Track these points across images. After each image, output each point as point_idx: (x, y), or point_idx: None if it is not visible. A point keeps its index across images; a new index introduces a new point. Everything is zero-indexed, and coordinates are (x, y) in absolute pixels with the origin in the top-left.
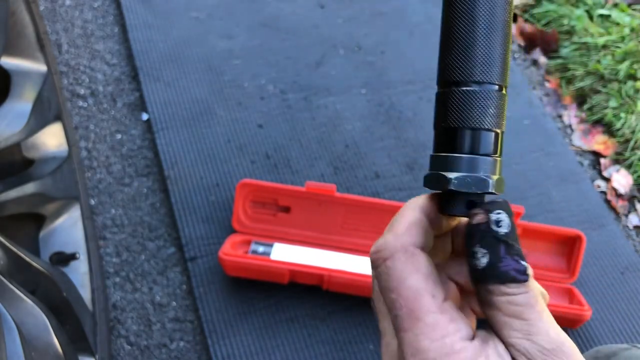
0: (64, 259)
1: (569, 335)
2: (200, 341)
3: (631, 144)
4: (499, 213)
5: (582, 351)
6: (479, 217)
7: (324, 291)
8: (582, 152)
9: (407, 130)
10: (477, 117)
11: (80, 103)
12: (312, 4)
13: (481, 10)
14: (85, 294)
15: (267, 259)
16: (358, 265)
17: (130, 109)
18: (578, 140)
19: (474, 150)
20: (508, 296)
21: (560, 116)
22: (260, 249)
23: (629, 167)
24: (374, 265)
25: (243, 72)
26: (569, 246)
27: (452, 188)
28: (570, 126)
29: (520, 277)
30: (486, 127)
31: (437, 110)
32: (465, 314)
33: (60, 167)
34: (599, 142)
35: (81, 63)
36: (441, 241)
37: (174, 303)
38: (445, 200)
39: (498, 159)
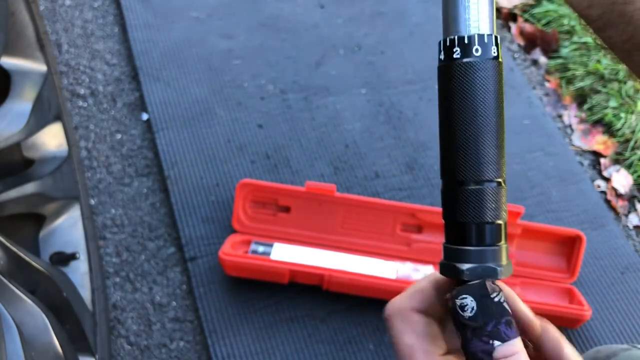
0: (64, 259)
1: (569, 335)
2: (200, 341)
3: (631, 144)
4: (463, 298)
5: (582, 351)
6: (450, 303)
7: (324, 291)
8: (582, 152)
9: (407, 130)
10: (481, 212)
11: (80, 103)
12: (312, 4)
13: (480, 118)
14: (85, 294)
15: (267, 259)
16: (358, 265)
17: (130, 109)
18: (578, 140)
19: (480, 243)
20: None
21: (560, 116)
22: (260, 249)
23: (629, 167)
24: (385, 321)
25: (243, 72)
26: (568, 246)
27: (465, 279)
28: (570, 126)
29: (486, 358)
30: (489, 220)
31: (444, 205)
32: None
33: (60, 167)
34: (599, 142)
35: (81, 63)
36: None
37: (174, 303)
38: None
39: (503, 245)
